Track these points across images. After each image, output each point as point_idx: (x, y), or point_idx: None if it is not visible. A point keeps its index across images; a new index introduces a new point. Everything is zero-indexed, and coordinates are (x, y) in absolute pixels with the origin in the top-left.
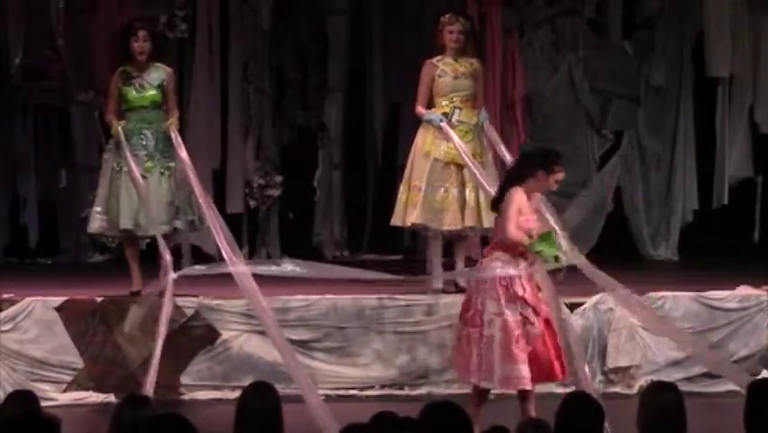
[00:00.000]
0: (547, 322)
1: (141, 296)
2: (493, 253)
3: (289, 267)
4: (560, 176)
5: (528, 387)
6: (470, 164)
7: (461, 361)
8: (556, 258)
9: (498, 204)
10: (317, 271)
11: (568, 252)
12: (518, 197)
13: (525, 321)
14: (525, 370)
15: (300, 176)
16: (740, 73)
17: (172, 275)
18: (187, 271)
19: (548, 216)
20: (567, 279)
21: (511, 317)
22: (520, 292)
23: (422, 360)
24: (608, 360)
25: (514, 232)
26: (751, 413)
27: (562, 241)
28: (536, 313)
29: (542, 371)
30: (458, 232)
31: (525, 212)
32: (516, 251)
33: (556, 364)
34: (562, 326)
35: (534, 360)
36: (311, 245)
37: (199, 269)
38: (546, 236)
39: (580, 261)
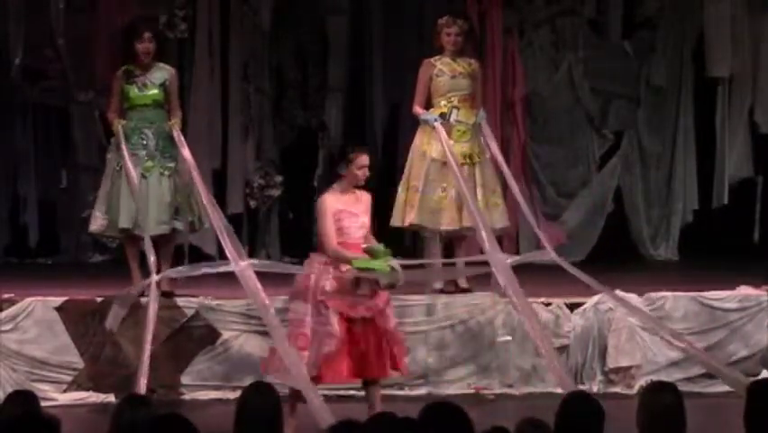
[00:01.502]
0: (371, 321)
1: (119, 295)
2: (317, 258)
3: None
4: (361, 159)
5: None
6: (454, 166)
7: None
8: (386, 270)
9: None
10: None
11: (396, 268)
12: (327, 206)
13: (325, 322)
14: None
15: (300, 176)
16: (740, 73)
17: (155, 276)
18: (169, 272)
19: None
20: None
21: (307, 316)
22: (321, 295)
23: (422, 360)
24: (608, 360)
25: (334, 251)
26: (751, 413)
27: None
28: (340, 315)
29: (362, 368)
30: (456, 232)
31: (343, 214)
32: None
33: (376, 363)
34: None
35: (339, 358)
36: (311, 245)
37: (182, 270)
38: (373, 252)
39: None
